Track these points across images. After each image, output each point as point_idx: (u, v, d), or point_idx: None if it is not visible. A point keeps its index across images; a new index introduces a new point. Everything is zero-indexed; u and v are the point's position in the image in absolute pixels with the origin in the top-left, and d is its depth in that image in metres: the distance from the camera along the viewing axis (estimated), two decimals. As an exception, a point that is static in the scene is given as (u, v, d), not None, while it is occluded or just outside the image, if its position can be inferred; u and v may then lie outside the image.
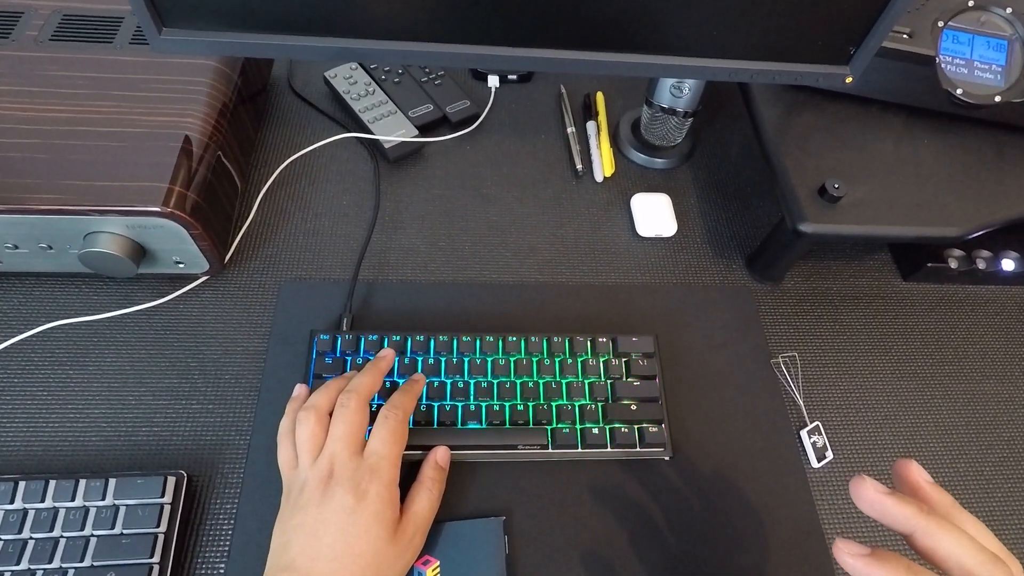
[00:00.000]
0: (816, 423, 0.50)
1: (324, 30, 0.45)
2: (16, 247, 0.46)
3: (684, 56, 0.48)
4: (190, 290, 0.51)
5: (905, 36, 0.53)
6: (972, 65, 0.54)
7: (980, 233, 0.52)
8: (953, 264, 0.59)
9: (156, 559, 0.39)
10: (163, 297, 0.51)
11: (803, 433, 0.50)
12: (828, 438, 0.50)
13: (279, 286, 0.53)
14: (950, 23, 0.54)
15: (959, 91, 0.53)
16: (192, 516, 0.43)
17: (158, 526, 0.39)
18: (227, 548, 0.42)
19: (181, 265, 0.50)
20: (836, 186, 0.49)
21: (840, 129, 0.55)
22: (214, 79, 0.52)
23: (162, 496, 0.40)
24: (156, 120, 0.48)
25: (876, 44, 0.47)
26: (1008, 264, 0.59)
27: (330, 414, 0.41)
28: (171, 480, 0.41)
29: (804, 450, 0.50)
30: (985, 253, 0.59)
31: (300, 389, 0.45)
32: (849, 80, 0.49)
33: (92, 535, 0.39)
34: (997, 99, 0.53)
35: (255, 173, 0.59)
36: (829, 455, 0.49)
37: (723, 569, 0.44)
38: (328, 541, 0.37)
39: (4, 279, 0.50)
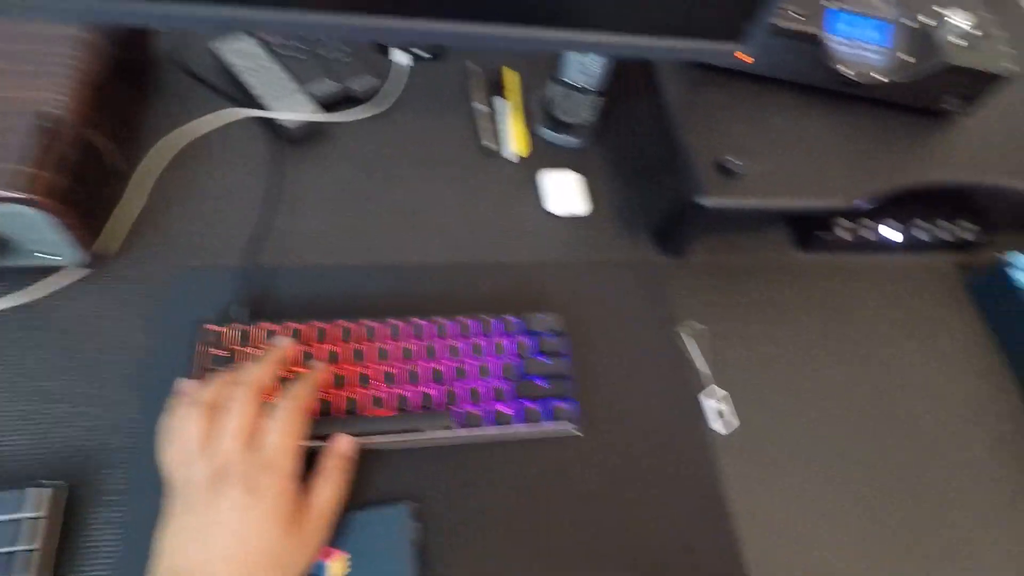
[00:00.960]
0: (724, 393, 0.52)
1: None
2: None
3: (583, 30, 0.48)
4: (68, 285, 0.47)
5: (795, 15, 0.54)
6: (855, 44, 0.57)
7: (867, 205, 0.55)
8: (841, 233, 0.62)
9: (28, 578, 0.35)
10: (35, 293, 0.46)
11: (701, 398, 0.51)
12: (736, 407, 0.52)
13: (170, 276, 0.49)
14: (834, 3, 0.57)
15: (844, 70, 0.56)
16: (75, 527, 0.39)
17: (32, 543, 0.36)
18: (115, 558, 0.39)
19: (54, 257, 0.45)
20: (735, 161, 0.51)
21: (739, 106, 0.57)
22: (83, 51, 0.47)
23: (36, 510, 0.37)
24: (11, 96, 0.43)
25: (765, 19, 0.48)
26: (885, 231, 0.63)
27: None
28: (46, 492, 0.37)
29: (707, 417, 0.51)
30: (868, 222, 0.63)
31: (182, 384, 0.42)
32: (741, 56, 0.51)
33: (-51, 557, 0.35)
34: (880, 78, 0.56)
35: (141, 155, 0.55)
36: (735, 423, 0.51)
37: (635, 540, 0.45)
38: (222, 543, 0.35)
39: None
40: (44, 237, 0.43)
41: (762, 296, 0.60)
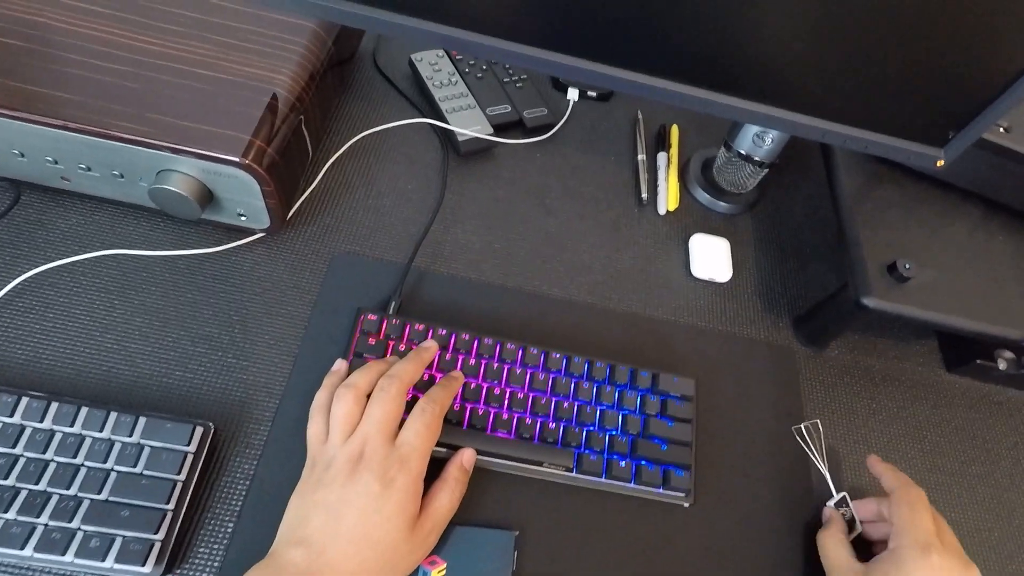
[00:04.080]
0: (843, 494, 0.49)
1: (422, 12, 0.45)
2: (88, 169, 0.46)
3: (776, 106, 0.48)
4: (246, 244, 0.51)
5: (1002, 130, 0.52)
6: (1061, 171, 0.53)
7: (1041, 341, 0.51)
8: (1002, 365, 0.57)
9: (171, 506, 0.38)
10: (219, 246, 0.50)
11: (830, 504, 0.49)
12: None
13: (332, 256, 0.53)
14: (1049, 125, 0.53)
15: (1045, 195, 0.53)
16: (210, 470, 0.42)
17: (179, 473, 0.39)
18: (238, 508, 0.41)
19: (243, 218, 0.49)
20: (907, 266, 0.49)
21: (917, 208, 0.55)
22: (310, 41, 0.52)
23: (188, 444, 0.40)
24: (248, 71, 0.48)
25: (976, 134, 0.46)
26: (1057, 376, 0.58)
27: (368, 396, 0.41)
28: (199, 430, 0.41)
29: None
30: (1035, 360, 0.58)
31: (340, 364, 0.45)
32: (940, 164, 0.49)
33: (113, 469, 0.39)
34: (1082, 210, 0.52)
35: (328, 141, 0.59)
36: (859, 527, 0.48)
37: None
38: (348, 523, 0.36)
39: (67, 197, 0.51)
40: (249, 201, 0.47)
41: (898, 410, 0.56)
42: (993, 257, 0.53)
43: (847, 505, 0.48)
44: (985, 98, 0.45)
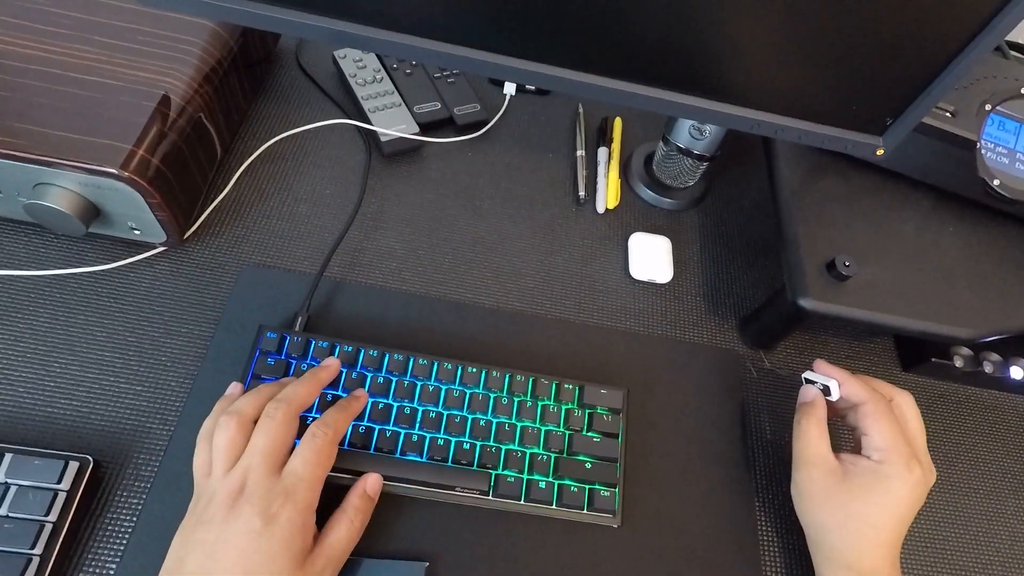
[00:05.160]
0: (833, 382, 0.45)
1: (334, 11, 0.42)
2: (-37, 185, 0.43)
3: (708, 99, 0.45)
4: (143, 259, 0.48)
5: (947, 114, 0.49)
6: (1015, 156, 0.50)
7: (993, 338, 0.48)
8: (959, 363, 0.54)
9: (38, 551, 0.35)
10: (113, 262, 0.47)
11: (814, 381, 0.46)
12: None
13: (240, 269, 0.49)
14: (998, 107, 0.50)
15: (996, 182, 0.49)
16: (93, 505, 0.39)
17: (47, 514, 0.36)
18: (123, 547, 0.39)
19: (137, 232, 0.46)
20: (847, 263, 0.46)
21: (861, 201, 0.52)
22: (208, 41, 0.48)
23: (58, 482, 0.37)
24: (135, 75, 0.45)
25: (916, 119, 0.43)
26: (1017, 372, 0.55)
27: (256, 422, 0.38)
28: (73, 465, 0.38)
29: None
30: (994, 356, 0.55)
31: (234, 388, 0.42)
32: (880, 152, 0.46)
33: (-27, 512, 0.36)
34: (1036, 198, 0.49)
35: (241, 144, 0.56)
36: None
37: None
38: (227, 564, 0.33)
39: (-50, 215, 0.47)
40: (138, 215, 0.44)
41: (850, 413, 0.53)
42: (943, 250, 0.50)
43: (829, 394, 0.45)
44: (922, 81, 0.42)
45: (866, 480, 0.41)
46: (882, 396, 0.44)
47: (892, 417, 0.43)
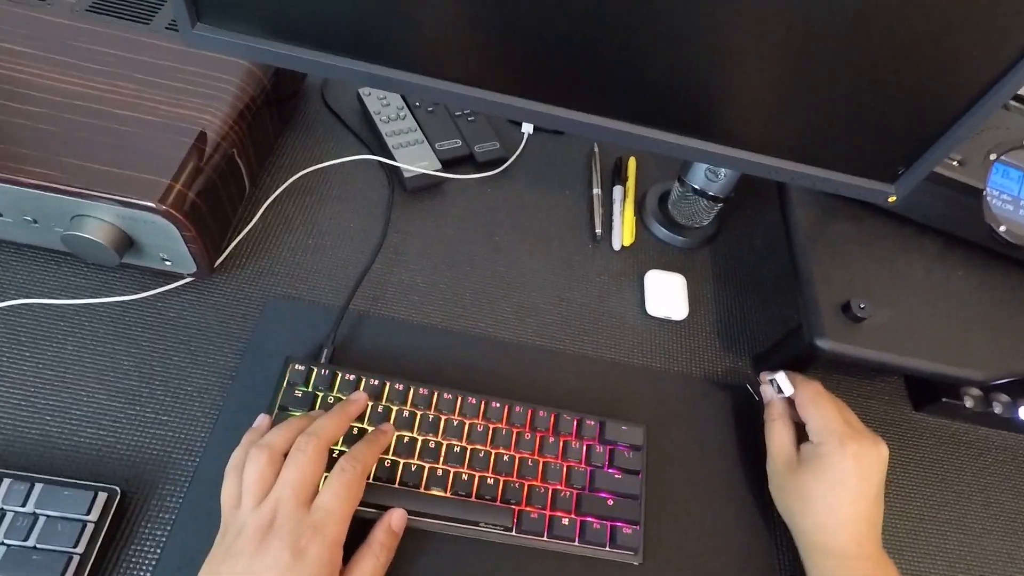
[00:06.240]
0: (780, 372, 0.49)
1: (362, 54, 0.43)
2: (0, 214, 0.44)
3: (725, 145, 0.46)
4: (171, 289, 0.49)
5: (955, 163, 0.50)
6: (1019, 203, 0.52)
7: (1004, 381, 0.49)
8: (968, 403, 0.55)
9: (65, 583, 0.35)
10: (143, 292, 0.48)
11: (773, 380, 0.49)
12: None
13: (265, 300, 0.50)
14: (1003, 157, 0.52)
15: (1002, 228, 0.51)
16: (118, 536, 0.39)
17: (75, 546, 0.36)
18: (147, 579, 0.38)
19: (168, 263, 0.47)
20: (862, 306, 0.47)
21: (873, 244, 0.53)
22: (243, 79, 0.50)
23: (87, 513, 0.37)
24: (173, 111, 0.46)
25: (927, 169, 0.45)
26: (1026, 413, 0.56)
27: (285, 455, 0.38)
28: (102, 496, 0.38)
29: (784, 580, 0.46)
30: (1004, 397, 0.56)
31: (262, 420, 0.42)
32: (892, 199, 0.47)
33: (3, 543, 0.35)
34: (1041, 244, 0.51)
35: (268, 178, 0.57)
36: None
37: None
38: (254, 599, 0.33)
39: (-17, 243, 0.48)
40: (171, 247, 0.45)
41: (864, 452, 0.54)
42: (952, 293, 0.51)
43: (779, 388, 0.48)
44: (934, 133, 0.43)
45: (812, 463, 0.44)
46: (808, 380, 0.48)
47: (824, 400, 0.46)
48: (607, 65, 0.42)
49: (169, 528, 0.40)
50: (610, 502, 0.44)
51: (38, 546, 0.36)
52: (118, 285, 0.48)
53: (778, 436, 0.47)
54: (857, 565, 0.42)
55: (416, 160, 0.59)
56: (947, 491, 0.54)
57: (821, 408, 0.45)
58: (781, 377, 0.48)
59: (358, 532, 0.39)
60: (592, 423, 0.47)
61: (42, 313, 0.46)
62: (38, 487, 0.37)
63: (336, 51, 0.43)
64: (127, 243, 0.44)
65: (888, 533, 0.50)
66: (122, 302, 0.48)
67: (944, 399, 0.55)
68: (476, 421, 0.45)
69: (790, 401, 0.49)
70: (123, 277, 0.49)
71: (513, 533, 0.42)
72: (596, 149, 0.67)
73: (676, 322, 0.57)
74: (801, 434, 0.47)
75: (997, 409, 0.56)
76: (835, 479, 0.43)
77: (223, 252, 0.51)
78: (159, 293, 0.49)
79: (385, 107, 0.63)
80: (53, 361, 0.44)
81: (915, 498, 0.53)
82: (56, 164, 0.42)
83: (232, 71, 0.50)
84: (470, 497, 0.43)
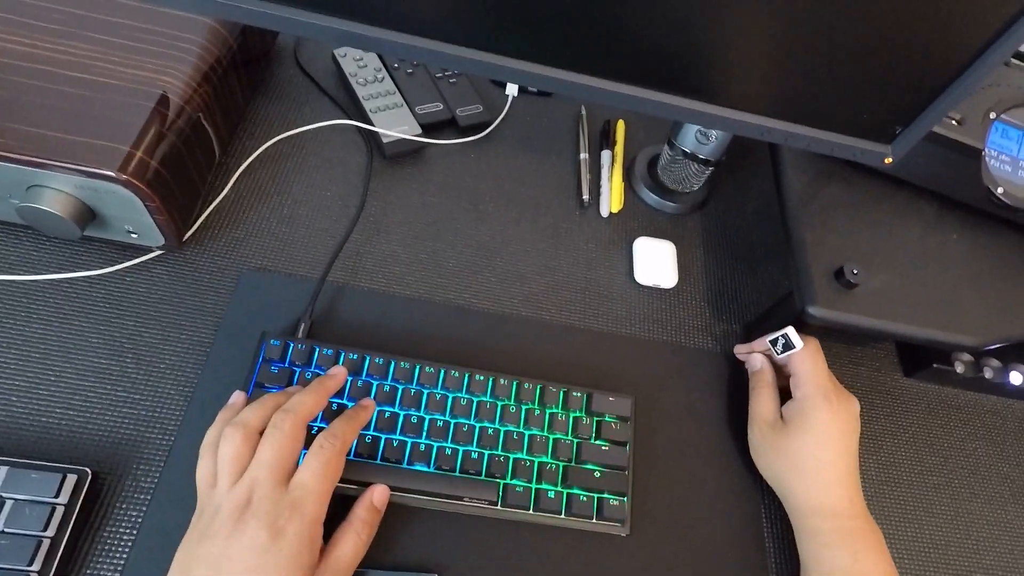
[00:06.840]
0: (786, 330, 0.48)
1: (336, 10, 0.41)
2: (-49, 186, 0.42)
3: (716, 104, 0.44)
4: (140, 263, 0.47)
5: (954, 123, 0.49)
6: (1018, 164, 0.51)
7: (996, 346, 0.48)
8: (959, 368, 0.55)
9: (36, 567, 0.34)
10: (109, 266, 0.46)
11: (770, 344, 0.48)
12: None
13: (239, 273, 0.48)
14: (1003, 116, 0.51)
15: (1000, 190, 0.50)
16: (92, 518, 0.38)
17: (45, 530, 0.35)
18: (123, 562, 0.37)
19: (134, 235, 0.45)
20: (855, 272, 0.46)
21: (867, 208, 0.52)
22: (208, 39, 0.47)
23: (56, 496, 0.36)
24: (132, 73, 0.43)
25: (925, 128, 0.43)
26: (1016, 378, 0.55)
27: (262, 432, 0.37)
28: (71, 478, 0.36)
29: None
30: (994, 362, 0.56)
31: (237, 397, 0.41)
32: (888, 161, 0.46)
33: (-32, 528, 0.34)
34: (1039, 206, 0.50)
35: (239, 145, 0.55)
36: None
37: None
38: (232, 580, 0.33)
39: (-62, 217, 0.46)
40: (136, 218, 0.43)
41: (853, 418, 0.54)
42: (947, 258, 0.50)
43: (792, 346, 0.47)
44: (932, 91, 0.41)
45: (798, 420, 0.44)
46: (813, 339, 0.47)
47: (821, 358, 0.46)
48: (595, 20, 0.40)
49: (145, 509, 0.39)
50: (597, 474, 0.43)
51: (6, 530, 0.34)
52: (83, 260, 0.46)
53: (764, 400, 0.47)
54: (852, 524, 0.42)
55: (395, 125, 0.57)
56: (935, 456, 0.54)
57: (818, 365, 0.46)
58: (791, 332, 0.47)
59: (340, 510, 0.38)
60: (579, 394, 0.46)
61: (4, 290, 0.44)
62: (3, 470, 0.36)
63: (308, 6, 0.40)
64: (88, 215, 0.42)
65: (877, 498, 0.50)
66: (88, 277, 0.45)
67: (935, 365, 0.54)
68: (459, 394, 0.44)
69: (775, 368, 0.48)
70: (88, 251, 0.46)
71: (499, 507, 0.42)
72: (583, 112, 0.65)
73: (665, 290, 0.56)
74: (784, 401, 0.47)
75: (988, 374, 0.55)
76: (822, 434, 0.43)
77: (193, 224, 0.49)
78: (127, 267, 0.46)
79: (362, 69, 0.60)
80: (18, 340, 0.42)
81: (903, 463, 0.53)
82: (8, 131, 0.39)
83: (195, 30, 0.47)
84: (454, 472, 0.42)
